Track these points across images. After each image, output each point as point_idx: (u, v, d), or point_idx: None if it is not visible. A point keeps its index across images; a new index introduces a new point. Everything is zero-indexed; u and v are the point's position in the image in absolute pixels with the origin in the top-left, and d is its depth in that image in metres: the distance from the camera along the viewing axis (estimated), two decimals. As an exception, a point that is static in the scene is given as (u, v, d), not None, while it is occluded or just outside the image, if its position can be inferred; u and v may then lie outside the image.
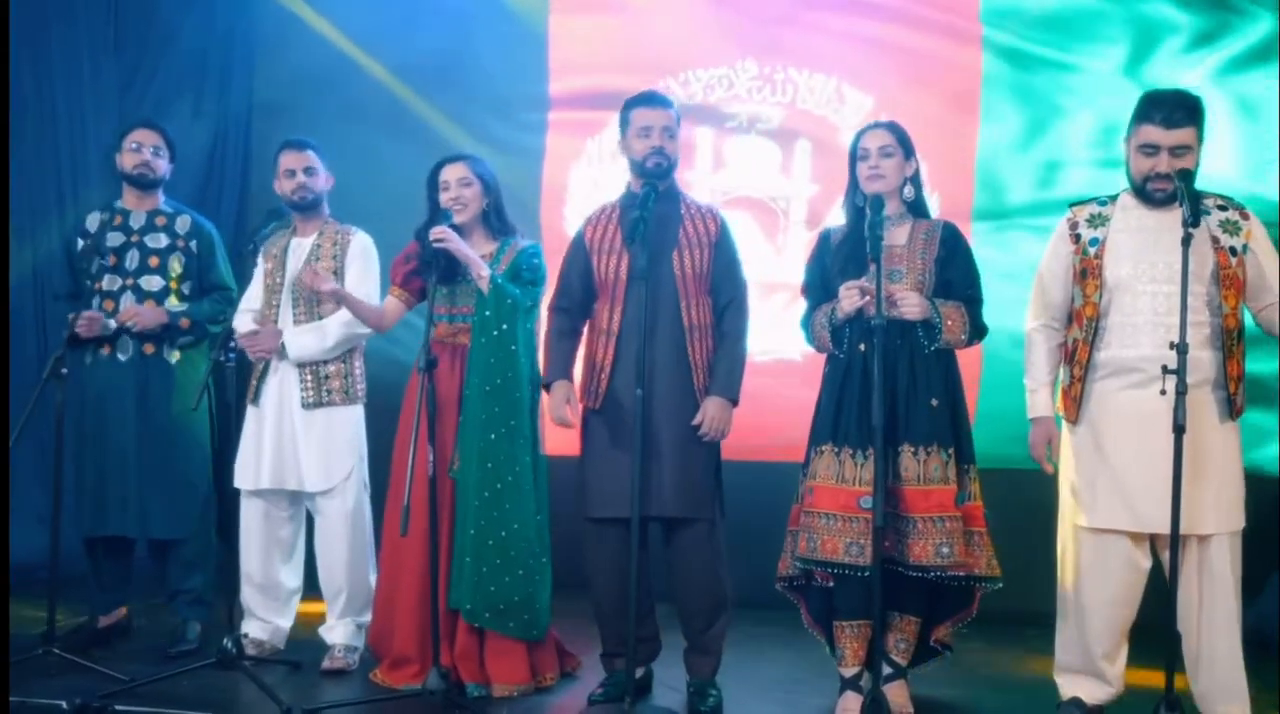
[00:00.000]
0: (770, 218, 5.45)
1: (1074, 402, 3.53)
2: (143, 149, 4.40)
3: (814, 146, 5.41)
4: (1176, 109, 3.39)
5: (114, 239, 4.39)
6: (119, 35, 6.15)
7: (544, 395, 3.95)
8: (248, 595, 4.27)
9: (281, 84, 6.02)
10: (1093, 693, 3.55)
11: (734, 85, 5.50)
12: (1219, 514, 3.39)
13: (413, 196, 4.79)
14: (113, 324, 4.32)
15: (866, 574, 3.46)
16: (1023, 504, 4.12)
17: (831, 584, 3.65)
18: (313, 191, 4.25)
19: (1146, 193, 3.43)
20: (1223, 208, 3.46)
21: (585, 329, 3.92)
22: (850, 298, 3.53)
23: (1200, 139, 3.43)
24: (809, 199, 5.44)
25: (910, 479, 3.52)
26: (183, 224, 4.46)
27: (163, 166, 4.45)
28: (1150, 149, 3.40)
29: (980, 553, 3.60)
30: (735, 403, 3.76)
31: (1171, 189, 3.37)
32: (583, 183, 5.61)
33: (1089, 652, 3.52)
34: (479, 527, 3.76)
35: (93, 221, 4.45)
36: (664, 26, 5.55)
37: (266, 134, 5.94)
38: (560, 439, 4.22)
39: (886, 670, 3.74)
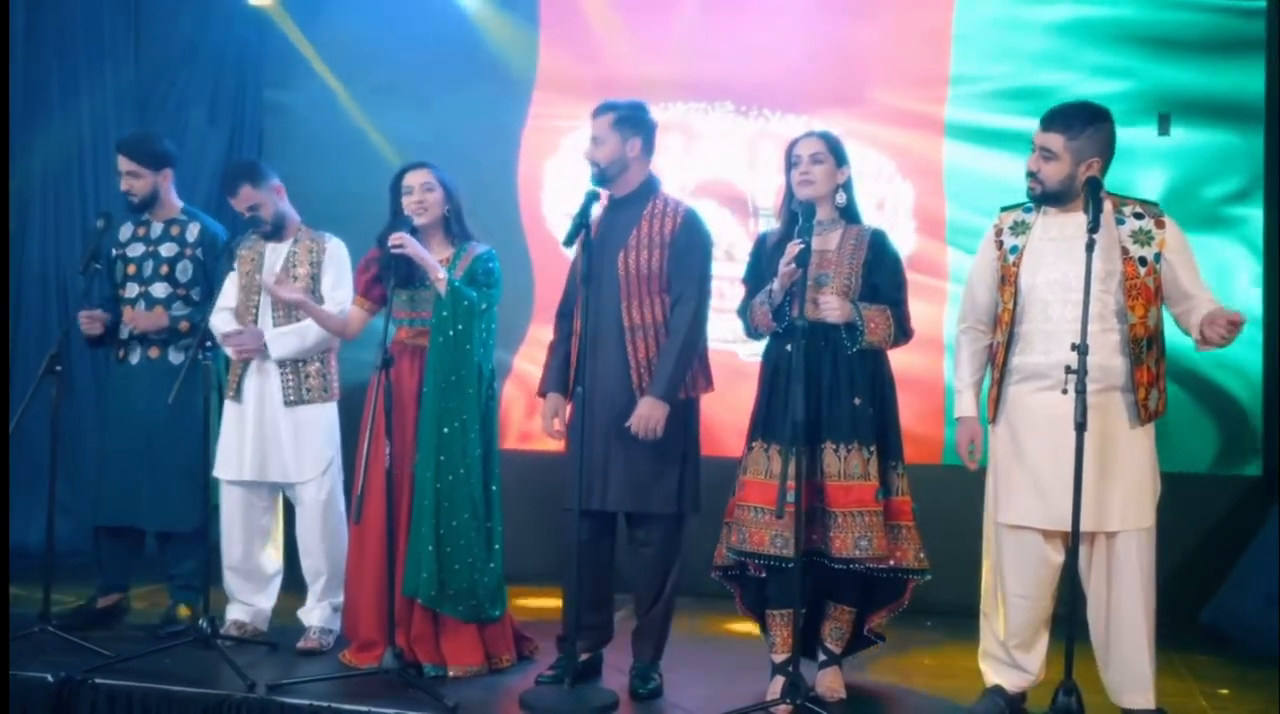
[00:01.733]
0: (740, 206, 5.59)
1: (994, 403, 3.68)
2: (121, 176, 4.70)
3: (779, 147, 5.54)
4: (1055, 116, 3.56)
5: (135, 249, 4.71)
6: (139, 47, 6.46)
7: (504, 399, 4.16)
8: (230, 580, 4.54)
9: (292, 98, 6.32)
10: (1013, 681, 3.70)
11: (709, 115, 5.71)
12: (1125, 512, 3.50)
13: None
14: (128, 327, 4.66)
15: (789, 565, 3.63)
16: (960, 501, 4.25)
17: (764, 575, 3.83)
18: (267, 222, 4.49)
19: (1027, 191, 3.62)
20: (1139, 216, 3.57)
21: None
22: (787, 257, 3.64)
23: (1087, 152, 3.51)
24: (779, 188, 5.54)
25: (832, 475, 3.69)
26: (192, 232, 4.73)
27: (142, 185, 4.67)
28: (1031, 147, 3.59)
29: (908, 546, 3.76)
30: (668, 401, 3.84)
31: (1039, 191, 3.56)
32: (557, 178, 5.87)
33: (1007, 642, 3.67)
34: (431, 516, 3.96)
35: (125, 232, 4.77)
36: (647, 63, 5.76)
37: (278, 140, 6.28)
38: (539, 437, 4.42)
39: (821, 657, 3.93)
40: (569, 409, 4.03)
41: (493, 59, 5.95)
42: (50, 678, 3.94)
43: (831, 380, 3.74)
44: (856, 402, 3.73)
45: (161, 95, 6.48)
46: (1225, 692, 4.12)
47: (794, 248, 3.65)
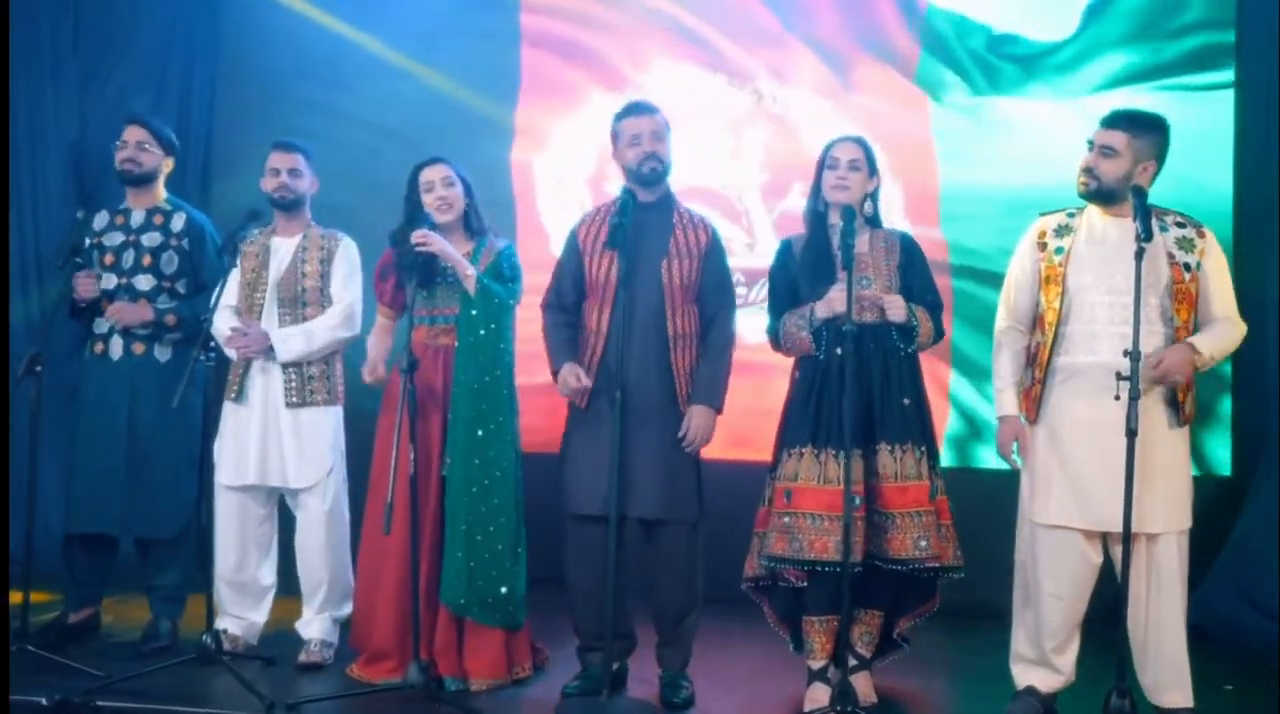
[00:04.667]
0: (728, 208, 5.53)
1: (1034, 403, 3.69)
2: (127, 146, 4.46)
3: (766, 135, 5.56)
4: (1119, 117, 3.63)
5: (113, 238, 4.47)
6: (79, 35, 6.14)
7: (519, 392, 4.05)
8: (222, 591, 4.32)
9: (244, 83, 6.06)
10: (1046, 682, 3.71)
11: (693, 91, 5.64)
12: (1166, 514, 3.56)
13: (371, 198, 4.89)
14: (109, 321, 4.38)
15: (857, 570, 3.59)
16: (983, 503, 4.29)
17: (805, 583, 3.78)
18: (293, 192, 4.32)
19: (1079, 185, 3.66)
20: (1181, 225, 3.65)
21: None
22: (841, 300, 3.64)
23: (1146, 154, 3.59)
24: (761, 185, 5.57)
25: (888, 476, 3.69)
26: (178, 221, 4.50)
27: (150, 160, 4.49)
28: (1089, 144, 3.64)
29: (948, 544, 3.77)
30: (718, 411, 3.87)
31: (1094, 187, 3.62)
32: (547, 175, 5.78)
33: (1043, 643, 3.68)
34: (468, 522, 3.85)
35: (100, 220, 4.52)
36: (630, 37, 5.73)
37: (228, 133, 6.04)
38: (536, 436, 4.32)
39: (851, 662, 3.88)
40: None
41: (470, 48, 5.83)
42: (44, 701, 3.68)
43: (883, 382, 3.74)
44: (906, 402, 3.74)
45: (100, 87, 6.16)
46: (1230, 687, 4.22)
47: (838, 298, 3.67)
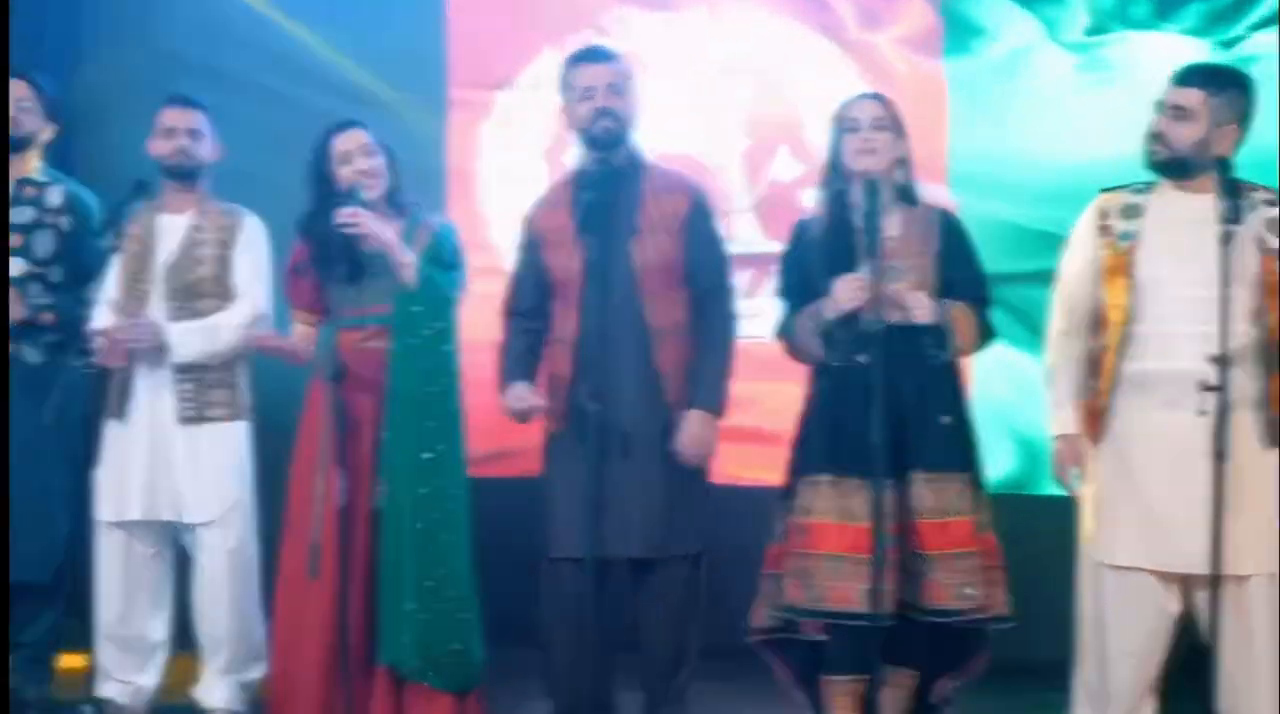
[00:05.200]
0: (704, 176, 4.75)
1: (1097, 419, 3.21)
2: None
3: (751, 95, 4.91)
4: (1194, 71, 3.22)
5: None
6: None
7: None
8: (104, 651, 3.66)
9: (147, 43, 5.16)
10: (1114, 752, 3.22)
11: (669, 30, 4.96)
12: (1259, 552, 3.07)
13: (275, 162, 4.20)
14: None
15: (888, 623, 3.04)
16: (1023, 537, 3.73)
17: (825, 636, 3.23)
18: (194, 158, 3.72)
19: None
20: (1271, 203, 3.17)
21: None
22: (850, 293, 3.11)
23: (1226, 117, 3.12)
24: (744, 153, 4.91)
25: (926, 511, 3.12)
26: (54, 195, 3.87)
27: (30, 122, 3.86)
28: (1158, 106, 3.20)
29: (997, 589, 3.22)
30: (719, 415, 3.36)
31: (1164, 155, 3.17)
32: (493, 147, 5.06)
33: (1110, 706, 3.20)
34: (413, 567, 3.30)
35: None
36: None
37: (91, 84, 5.07)
38: (501, 461, 3.76)
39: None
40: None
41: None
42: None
43: (916, 396, 3.16)
44: (945, 420, 3.18)
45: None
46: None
47: (844, 290, 3.13)
